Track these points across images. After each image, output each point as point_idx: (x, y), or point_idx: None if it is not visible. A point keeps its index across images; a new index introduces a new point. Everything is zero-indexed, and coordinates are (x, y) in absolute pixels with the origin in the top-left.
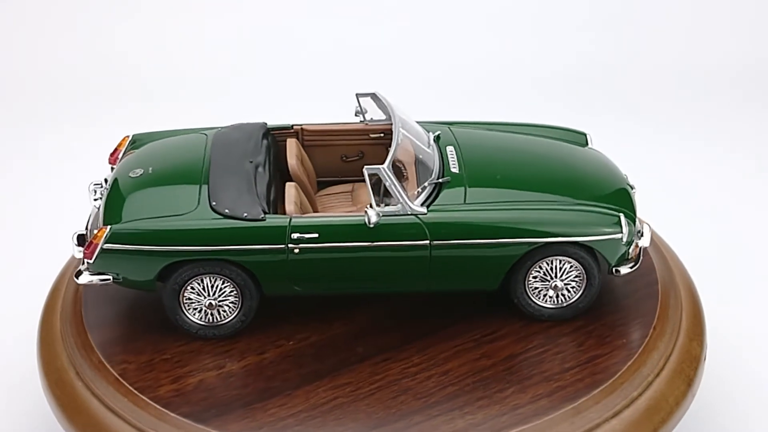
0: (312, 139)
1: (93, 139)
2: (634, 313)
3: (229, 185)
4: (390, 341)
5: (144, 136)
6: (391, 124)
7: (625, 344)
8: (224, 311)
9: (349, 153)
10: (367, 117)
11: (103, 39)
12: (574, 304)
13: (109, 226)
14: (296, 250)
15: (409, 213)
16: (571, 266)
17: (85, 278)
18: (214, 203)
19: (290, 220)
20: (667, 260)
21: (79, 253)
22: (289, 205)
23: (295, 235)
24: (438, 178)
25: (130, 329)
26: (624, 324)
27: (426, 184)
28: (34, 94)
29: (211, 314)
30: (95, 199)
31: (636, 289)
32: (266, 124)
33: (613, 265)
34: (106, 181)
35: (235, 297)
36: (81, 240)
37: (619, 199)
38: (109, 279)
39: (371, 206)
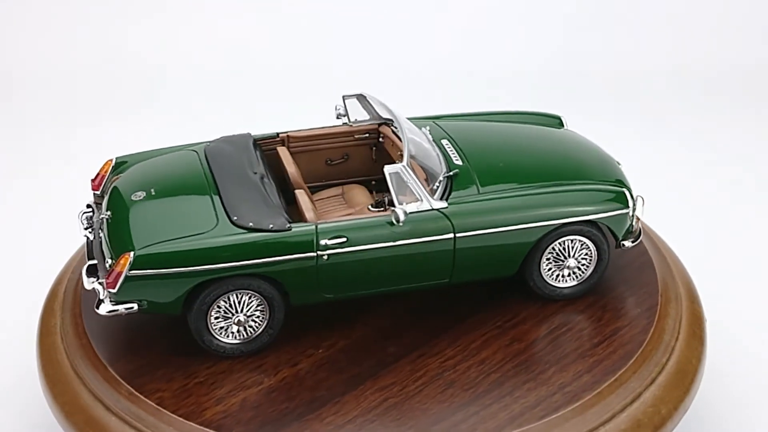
0: (298, 145)
1: (93, 139)
2: (637, 283)
3: (243, 198)
4: (417, 338)
5: (127, 158)
6: (377, 124)
7: (640, 313)
8: (251, 327)
9: (333, 156)
10: (346, 119)
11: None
12: (586, 281)
13: (131, 253)
14: (325, 257)
15: (431, 209)
16: (582, 245)
17: (107, 308)
18: (235, 218)
19: (316, 227)
20: (655, 243)
21: (91, 284)
22: (309, 212)
23: (323, 242)
24: (448, 172)
25: (150, 357)
26: (632, 294)
27: (441, 178)
28: (35, 94)
29: (240, 331)
30: (86, 228)
31: (631, 261)
32: (251, 134)
33: (621, 239)
34: (90, 206)
35: (263, 311)
36: (92, 271)
37: (615, 175)
38: (133, 307)
39: (397, 205)
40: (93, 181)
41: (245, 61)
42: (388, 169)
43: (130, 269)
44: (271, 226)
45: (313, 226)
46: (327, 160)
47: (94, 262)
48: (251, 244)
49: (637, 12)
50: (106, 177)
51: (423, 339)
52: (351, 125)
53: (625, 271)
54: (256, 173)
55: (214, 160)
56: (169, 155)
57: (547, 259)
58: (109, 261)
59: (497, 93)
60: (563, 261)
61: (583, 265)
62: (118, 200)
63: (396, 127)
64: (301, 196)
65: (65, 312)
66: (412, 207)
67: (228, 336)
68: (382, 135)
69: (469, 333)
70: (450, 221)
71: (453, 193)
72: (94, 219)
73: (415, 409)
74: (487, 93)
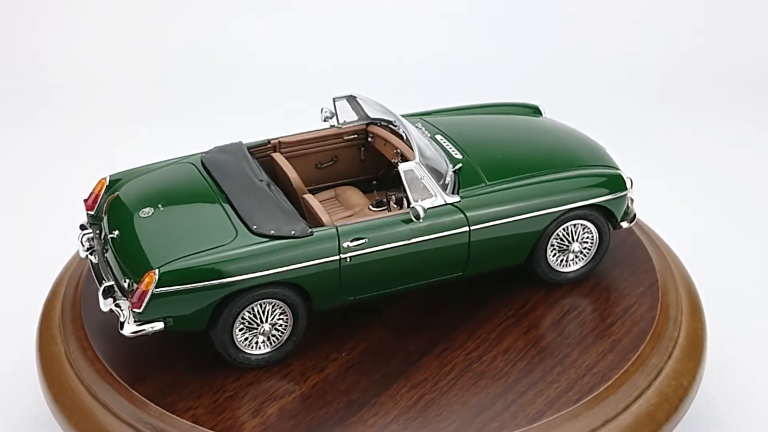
0: (289, 150)
1: (93, 139)
2: (632, 262)
3: (257, 206)
4: (435, 333)
5: (120, 175)
6: (365, 124)
7: (644, 291)
8: (275, 336)
9: (322, 159)
10: (334, 121)
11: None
12: (589, 263)
13: (155, 270)
14: (348, 259)
15: (446, 203)
16: (584, 228)
17: (132, 329)
18: (254, 227)
19: (337, 229)
20: (640, 227)
21: (108, 306)
22: (324, 216)
23: (345, 244)
24: (454, 166)
25: (172, 375)
26: (631, 274)
27: (450, 172)
28: (35, 94)
29: (264, 342)
30: (88, 251)
31: (622, 242)
32: (242, 142)
33: (620, 220)
34: (85, 227)
35: (286, 319)
36: (108, 292)
37: (607, 159)
38: (160, 325)
39: (413, 202)
40: (86, 201)
41: (233, 63)
42: (402, 167)
43: (156, 287)
44: (293, 232)
45: (334, 229)
46: (317, 164)
47: (110, 283)
48: (275, 252)
49: (633, 8)
50: (101, 196)
51: (441, 334)
52: (340, 127)
53: (617, 252)
54: (262, 181)
55: (216, 170)
56: (165, 169)
57: (552, 246)
58: (127, 281)
59: (496, 91)
60: (568, 246)
61: (585, 248)
62: (124, 218)
63: (395, 125)
64: (311, 200)
65: (67, 337)
66: (427, 203)
67: (252, 347)
68: (371, 134)
69: (485, 324)
70: (464, 215)
71: (462, 187)
72: (94, 240)
73: (454, 403)
74: (488, 93)
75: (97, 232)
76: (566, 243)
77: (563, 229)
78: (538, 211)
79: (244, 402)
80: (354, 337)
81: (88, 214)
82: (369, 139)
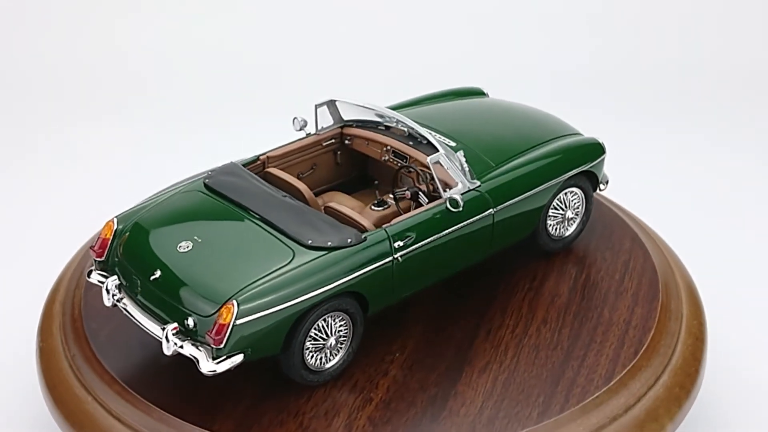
0: (277, 164)
1: (93, 139)
2: (607, 228)
3: (298, 221)
4: (470, 317)
5: (127, 216)
6: (339, 127)
7: (632, 245)
8: (338, 349)
9: (303, 169)
10: (309, 128)
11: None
12: (578, 228)
13: (233, 301)
14: (399, 258)
15: (470, 189)
16: (573, 195)
17: (211, 367)
18: (309, 241)
19: (386, 231)
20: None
21: (170, 348)
22: (363, 220)
23: (396, 244)
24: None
25: (239, 409)
26: (614, 231)
27: (462, 159)
28: (35, 95)
29: (328, 356)
30: (116, 296)
31: (598, 210)
32: (236, 163)
33: (600, 182)
34: (90, 273)
35: (346, 330)
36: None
37: (568, 126)
38: (240, 358)
39: (443, 193)
40: (94, 248)
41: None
42: (431, 159)
43: (237, 318)
44: (349, 240)
45: (384, 231)
46: (299, 174)
47: (174, 325)
48: (338, 262)
49: (635, 9)
50: (111, 241)
51: (476, 317)
52: (318, 134)
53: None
54: (285, 196)
55: (231, 192)
56: (174, 201)
57: (550, 215)
58: (192, 319)
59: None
60: (563, 213)
61: (576, 213)
62: (161, 257)
63: (372, 123)
64: (340, 207)
65: (93, 388)
66: (456, 191)
67: (319, 363)
68: (348, 136)
69: (511, 301)
70: (487, 197)
71: (474, 172)
72: (121, 286)
73: (529, 379)
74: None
75: (120, 277)
76: (561, 211)
77: (557, 199)
78: (545, 183)
79: (330, 420)
80: (397, 337)
81: (97, 261)
82: (346, 141)
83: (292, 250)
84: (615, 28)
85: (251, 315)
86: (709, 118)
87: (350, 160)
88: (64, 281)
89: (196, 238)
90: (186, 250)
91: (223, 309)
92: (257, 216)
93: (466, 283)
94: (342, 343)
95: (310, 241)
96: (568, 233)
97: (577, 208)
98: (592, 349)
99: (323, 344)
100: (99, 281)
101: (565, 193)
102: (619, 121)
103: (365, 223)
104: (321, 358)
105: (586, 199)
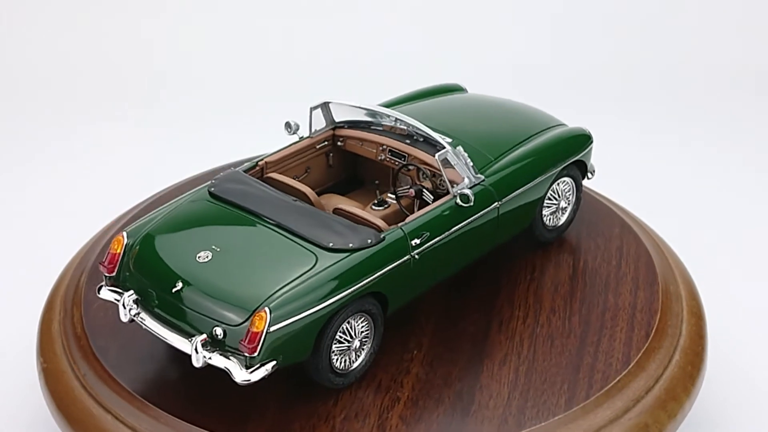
0: (274, 169)
1: (93, 139)
2: (593, 217)
3: (314, 225)
4: (479, 312)
5: (136, 230)
6: (331, 129)
7: (621, 231)
8: (361, 350)
9: (298, 173)
10: (302, 132)
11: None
12: (570, 216)
13: (266, 308)
14: (416, 256)
15: (475, 183)
16: (565, 184)
17: (245, 376)
18: (330, 244)
19: (403, 229)
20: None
21: (200, 360)
22: (377, 220)
23: (413, 242)
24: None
25: (268, 416)
26: (600, 220)
27: (465, 154)
28: (34, 93)
29: (352, 358)
30: (133, 311)
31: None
32: (238, 170)
33: (588, 170)
34: (100, 289)
35: (368, 331)
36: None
37: (551, 116)
38: (275, 366)
39: (451, 189)
40: (104, 263)
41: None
42: (439, 155)
43: (270, 325)
44: (369, 241)
45: (401, 230)
46: (293, 177)
47: (202, 338)
48: (361, 263)
49: (634, 10)
50: (121, 256)
51: (485, 310)
52: (312, 137)
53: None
54: (296, 200)
55: (240, 199)
56: (182, 211)
57: (545, 206)
58: (220, 329)
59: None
60: (557, 203)
61: (568, 202)
62: (180, 268)
63: (364, 124)
64: (352, 209)
65: (112, 405)
66: (463, 185)
67: (344, 366)
68: (340, 138)
69: (516, 293)
70: (492, 190)
71: (475, 166)
72: (137, 301)
73: (549, 367)
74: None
75: (135, 291)
76: (555, 201)
77: (552, 191)
78: (543, 174)
79: (363, 423)
80: (411, 335)
81: (108, 277)
82: (339, 143)
83: (314, 254)
84: (590, 23)
85: (283, 321)
86: (709, 117)
87: (342, 162)
88: (58, 299)
89: (214, 247)
90: (206, 260)
91: (254, 317)
92: (272, 222)
93: (467, 278)
94: (364, 344)
95: (331, 244)
96: (561, 222)
97: (569, 197)
98: (605, 335)
99: (348, 346)
100: (115, 299)
101: (558, 183)
102: (620, 121)
103: (379, 223)
104: (346, 361)
105: (577, 188)
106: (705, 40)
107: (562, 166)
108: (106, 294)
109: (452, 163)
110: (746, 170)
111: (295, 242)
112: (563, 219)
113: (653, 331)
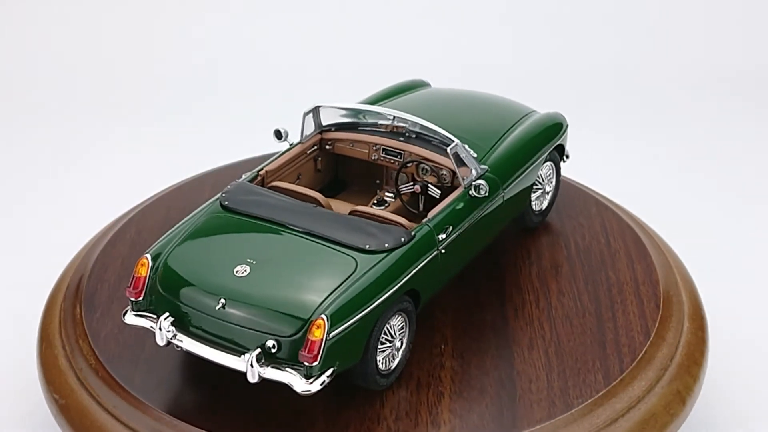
0: (274, 178)
1: (93, 139)
2: (573, 194)
3: (344, 229)
4: (492, 299)
5: (157, 251)
6: (318, 133)
7: (605, 212)
8: (399, 349)
9: (291, 180)
10: (291, 138)
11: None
12: (551, 200)
13: (323, 316)
14: (443, 250)
15: (482, 174)
16: (548, 169)
17: (306, 387)
18: (367, 246)
19: (430, 225)
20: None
21: (255, 375)
22: (400, 218)
23: (440, 236)
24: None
25: (323, 426)
26: (584, 202)
27: (466, 146)
28: (36, 95)
29: (392, 358)
30: (170, 334)
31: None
32: (245, 182)
33: (565, 153)
34: (125, 314)
35: (403, 329)
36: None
37: (521, 104)
38: (332, 373)
39: (463, 180)
40: (130, 288)
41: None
42: (450, 149)
43: (329, 332)
44: (403, 239)
45: (427, 226)
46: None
47: (257, 351)
48: (398, 262)
49: (633, 11)
50: (148, 277)
51: (498, 298)
52: (302, 142)
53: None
54: (315, 206)
55: (263, 210)
56: (203, 228)
57: (533, 190)
58: (275, 342)
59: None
60: (542, 188)
61: (551, 185)
62: (219, 285)
63: (350, 125)
64: (369, 210)
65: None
66: (473, 176)
67: (386, 366)
68: (329, 141)
69: (520, 278)
70: (496, 179)
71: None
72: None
73: (576, 347)
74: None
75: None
76: (540, 185)
77: (538, 176)
78: (534, 159)
79: (413, 419)
80: (432, 330)
81: (135, 302)
82: (327, 146)
83: (354, 258)
84: (611, 27)
85: (339, 327)
86: (710, 118)
87: (327, 166)
88: (53, 331)
89: (249, 260)
90: (245, 274)
91: (312, 326)
92: (300, 230)
93: (468, 269)
94: (401, 342)
95: (368, 246)
96: (544, 206)
97: (552, 180)
98: (617, 310)
99: (389, 346)
100: (150, 326)
101: (542, 167)
102: (620, 120)
103: (402, 221)
104: (387, 361)
105: (557, 172)
106: (702, 40)
107: (548, 151)
108: (133, 319)
109: (462, 156)
110: (740, 168)
111: (330, 248)
112: (545, 203)
113: (662, 301)
